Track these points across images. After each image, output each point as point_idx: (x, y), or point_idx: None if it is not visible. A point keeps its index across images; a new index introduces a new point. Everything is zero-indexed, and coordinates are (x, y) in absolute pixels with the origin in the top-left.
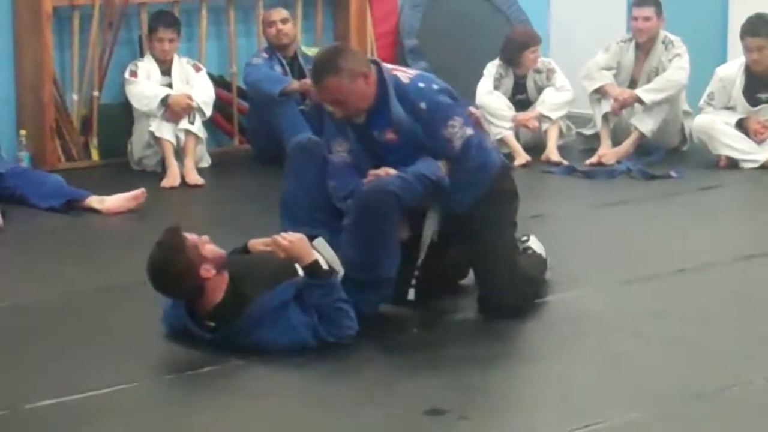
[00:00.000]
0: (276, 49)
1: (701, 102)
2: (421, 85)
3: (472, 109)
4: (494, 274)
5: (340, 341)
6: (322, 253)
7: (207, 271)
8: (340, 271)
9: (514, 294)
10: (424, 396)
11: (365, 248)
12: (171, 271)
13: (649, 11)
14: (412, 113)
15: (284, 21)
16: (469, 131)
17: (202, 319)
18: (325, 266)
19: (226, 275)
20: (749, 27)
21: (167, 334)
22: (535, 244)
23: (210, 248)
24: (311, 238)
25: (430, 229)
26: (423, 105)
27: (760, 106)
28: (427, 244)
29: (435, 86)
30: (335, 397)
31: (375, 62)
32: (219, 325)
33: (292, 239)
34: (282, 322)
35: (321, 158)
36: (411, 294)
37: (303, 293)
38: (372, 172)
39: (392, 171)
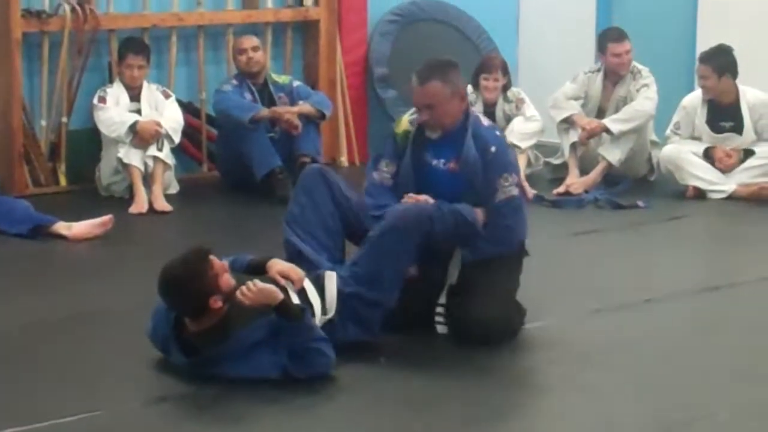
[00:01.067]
0: (246, 76)
1: (668, 131)
2: (498, 133)
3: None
4: (488, 303)
5: (311, 371)
6: (327, 285)
7: (215, 302)
8: (330, 313)
9: (494, 319)
10: (397, 426)
11: (378, 263)
12: (184, 289)
13: (628, 44)
14: (480, 152)
15: (255, 49)
16: (515, 192)
17: (184, 338)
18: (316, 303)
19: (225, 307)
20: (701, 55)
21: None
22: None
23: (226, 279)
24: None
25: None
26: (493, 149)
27: (724, 134)
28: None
29: (506, 142)
30: (311, 428)
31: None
32: (198, 348)
33: (252, 291)
34: (252, 360)
35: (334, 183)
36: (440, 328)
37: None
38: (412, 195)
39: (431, 200)
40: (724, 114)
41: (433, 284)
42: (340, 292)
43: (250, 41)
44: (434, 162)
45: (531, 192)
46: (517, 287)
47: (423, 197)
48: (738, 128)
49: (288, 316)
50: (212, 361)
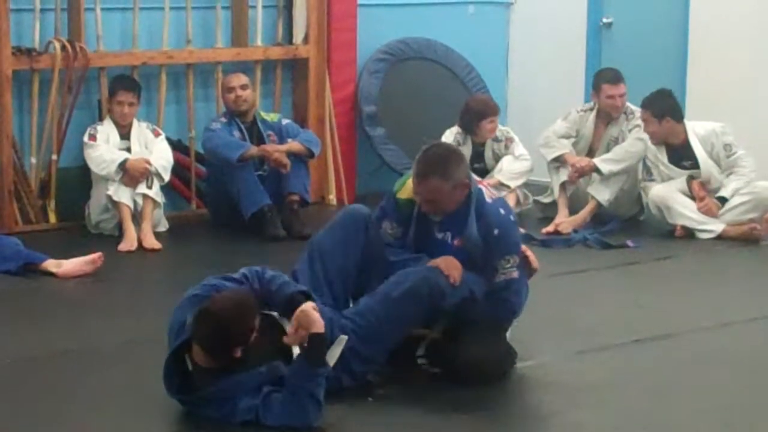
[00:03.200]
0: (235, 114)
1: (641, 183)
2: (502, 212)
3: (524, 247)
4: (485, 338)
5: (290, 421)
6: (335, 349)
7: (237, 353)
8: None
9: (486, 360)
10: None
11: (382, 322)
12: (219, 328)
13: (623, 87)
14: (483, 233)
15: (243, 87)
16: (516, 275)
17: (184, 363)
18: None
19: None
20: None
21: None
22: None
23: (253, 336)
24: None
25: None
26: (496, 231)
27: (689, 171)
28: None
29: (512, 218)
30: None
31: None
32: (196, 384)
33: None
34: (229, 404)
35: (374, 237)
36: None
37: (280, 373)
38: (442, 258)
39: (458, 265)
40: (680, 154)
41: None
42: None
43: (239, 79)
44: (440, 236)
45: (535, 262)
46: (507, 328)
47: (452, 261)
48: (696, 164)
49: (315, 355)
50: (204, 400)
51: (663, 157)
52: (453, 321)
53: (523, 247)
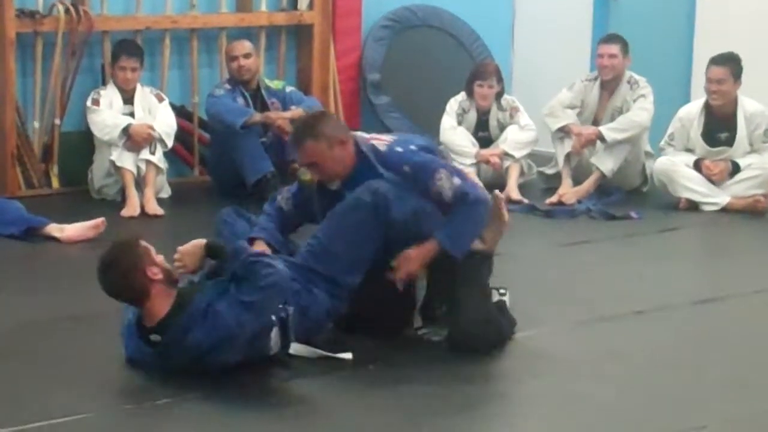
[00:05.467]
0: (238, 81)
1: (662, 142)
2: (399, 149)
3: (498, 196)
4: (469, 307)
5: (268, 291)
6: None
7: (154, 273)
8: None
9: (483, 332)
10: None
11: (334, 239)
12: (120, 265)
13: (614, 48)
14: (399, 176)
15: (246, 56)
16: (457, 181)
17: (149, 334)
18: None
19: (174, 291)
20: (716, 58)
21: (129, 363)
22: (509, 299)
23: (161, 259)
24: None
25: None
26: (407, 168)
27: (719, 147)
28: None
29: (413, 147)
30: None
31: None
32: (161, 339)
33: (181, 259)
34: (212, 318)
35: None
36: (299, 348)
37: (225, 279)
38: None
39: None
40: (720, 125)
41: (404, 298)
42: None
43: (242, 47)
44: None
45: (506, 216)
46: (486, 282)
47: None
48: (731, 139)
49: (219, 253)
50: (177, 340)
51: (699, 125)
52: (440, 275)
53: (499, 197)
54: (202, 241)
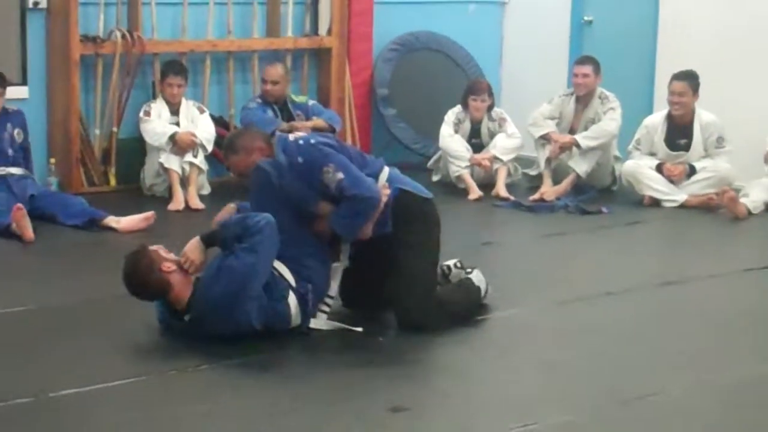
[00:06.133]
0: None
1: (630, 146)
2: (301, 142)
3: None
4: (408, 295)
5: (261, 235)
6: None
7: (168, 267)
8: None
9: (423, 314)
10: (381, 395)
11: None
12: (137, 271)
13: (588, 69)
14: (292, 165)
15: (274, 83)
16: (340, 175)
17: (182, 316)
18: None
19: (191, 277)
20: (678, 74)
21: (172, 336)
22: (476, 276)
23: (171, 255)
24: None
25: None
26: (300, 159)
27: (678, 152)
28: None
29: (313, 141)
30: (311, 394)
31: (273, 134)
32: (192, 313)
33: (187, 258)
34: (226, 272)
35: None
36: (318, 322)
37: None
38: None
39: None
40: (680, 132)
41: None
42: None
43: (275, 72)
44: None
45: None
46: (431, 267)
47: None
48: (689, 145)
49: (214, 239)
50: (202, 303)
51: (662, 132)
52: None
53: (386, 189)
54: (197, 237)
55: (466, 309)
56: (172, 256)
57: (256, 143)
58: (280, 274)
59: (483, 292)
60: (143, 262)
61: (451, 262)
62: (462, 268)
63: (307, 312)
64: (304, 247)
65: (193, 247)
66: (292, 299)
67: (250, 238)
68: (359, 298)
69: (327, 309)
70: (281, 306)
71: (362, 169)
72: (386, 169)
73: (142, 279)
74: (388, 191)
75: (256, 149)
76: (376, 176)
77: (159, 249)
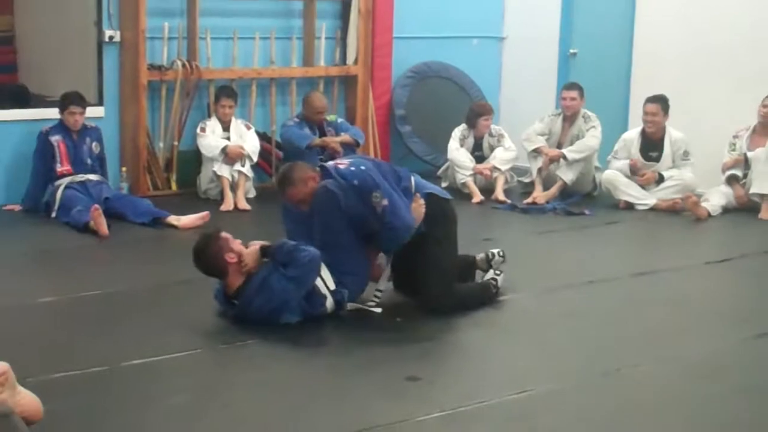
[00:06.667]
0: (307, 117)
1: (609, 156)
2: (353, 169)
3: (417, 197)
4: (429, 282)
5: (305, 268)
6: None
7: (231, 258)
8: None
9: (442, 300)
10: (400, 367)
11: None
12: (206, 252)
13: (574, 93)
14: (350, 188)
15: (322, 112)
16: (385, 202)
17: (231, 299)
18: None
19: (244, 270)
20: (651, 98)
21: (223, 316)
22: (500, 280)
23: (237, 244)
24: None
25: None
26: (356, 182)
27: (650, 162)
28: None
29: (363, 168)
30: (341, 365)
31: (321, 166)
32: (238, 303)
33: (246, 258)
34: (267, 288)
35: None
36: (376, 307)
37: (277, 266)
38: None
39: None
40: (652, 146)
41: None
42: None
43: (323, 105)
44: None
45: (421, 208)
46: (451, 259)
47: None
48: (659, 157)
49: (270, 251)
50: (246, 303)
51: (637, 145)
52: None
53: (419, 199)
54: (258, 245)
55: (478, 302)
56: (237, 244)
57: (308, 173)
58: (323, 280)
59: (495, 291)
60: (214, 246)
61: (496, 250)
62: (503, 257)
63: (340, 307)
64: (353, 263)
65: (252, 253)
66: (329, 302)
67: (294, 269)
68: (403, 284)
69: (377, 300)
70: (318, 309)
71: (398, 182)
72: (413, 178)
73: (207, 259)
74: (422, 202)
75: (310, 178)
76: (408, 188)
77: (229, 239)
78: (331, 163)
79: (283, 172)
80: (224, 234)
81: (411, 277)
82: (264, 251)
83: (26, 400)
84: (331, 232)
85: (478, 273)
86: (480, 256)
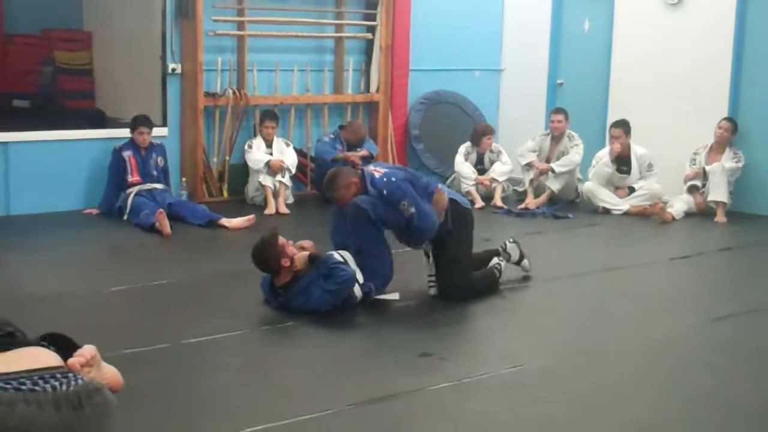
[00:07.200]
0: (340, 136)
1: (590, 168)
2: (385, 179)
3: (439, 191)
4: (450, 274)
5: (341, 285)
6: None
7: (285, 262)
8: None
9: (460, 289)
10: (416, 345)
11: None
12: (264, 255)
13: (560, 116)
14: (380, 195)
15: (359, 137)
16: (412, 210)
17: (276, 290)
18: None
19: (294, 268)
20: (615, 123)
21: (265, 302)
22: (502, 266)
23: (292, 249)
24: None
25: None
26: (385, 191)
27: (622, 174)
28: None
29: (394, 179)
30: (365, 344)
31: (361, 170)
32: (282, 294)
33: (297, 260)
34: (308, 294)
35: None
36: (433, 290)
37: (319, 276)
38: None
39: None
40: (621, 161)
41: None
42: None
43: (363, 135)
44: None
45: (443, 202)
46: (468, 256)
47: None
48: (629, 170)
49: (316, 261)
50: (289, 299)
51: (608, 161)
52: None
53: (442, 192)
54: (306, 254)
55: (487, 288)
56: (291, 248)
57: (351, 179)
58: (354, 275)
59: (498, 276)
60: (272, 250)
61: (510, 239)
62: (516, 242)
63: (368, 297)
64: (380, 266)
65: (302, 257)
66: (357, 290)
67: (332, 284)
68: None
69: (432, 284)
70: (348, 300)
71: (426, 190)
72: (440, 186)
73: (265, 260)
74: (445, 196)
75: (352, 183)
76: (434, 193)
77: (284, 245)
78: (370, 168)
79: (329, 177)
80: (281, 239)
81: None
82: (311, 258)
83: (110, 374)
84: (362, 240)
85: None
86: (499, 246)
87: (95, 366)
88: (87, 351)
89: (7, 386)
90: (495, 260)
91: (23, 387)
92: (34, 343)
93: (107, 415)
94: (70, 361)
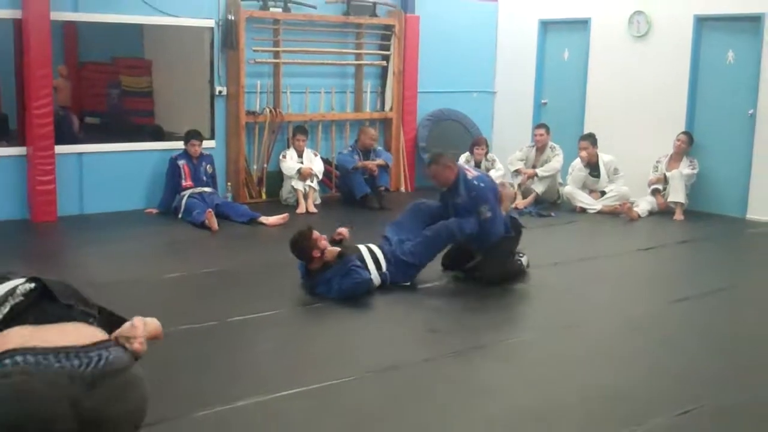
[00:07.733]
0: (358, 145)
1: (567, 176)
2: (476, 182)
3: (503, 185)
4: (496, 263)
5: (354, 287)
6: (378, 253)
7: (316, 252)
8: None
9: (500, 275)
10: (425, 322)
11: (424, 250)
12: (299, 246)
13: (543, 131)
14: (467, 194)
15: (373, 140)
16: (489, 215)
17: (309, 273)
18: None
19: (324, 259)
20: (583, 136)
21: (300, 288)
22: (524, 258)
23: (324, 242)
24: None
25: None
26: (473, 193)
27: (593, 179)
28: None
29: (482, 184)
30: (381, 321)
31: (458, 165)
32: (313, 278)
33: (328, 253)
34: (329, 285)
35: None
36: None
37: (339, 272)
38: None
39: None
40: (592, 168)
41: (466, 254)
42: (392, 254)
43: (372, 138)
44: (452, 198)
45: (506, 201)
46: (510, 255)
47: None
48: (598, 176)
49: (342, 259)
50: (318, 283)
51: (581, 168)
52: (483, 251)
53: (507, 186)
54: (337, 249)
55: (514, 274)
56: (323, 241)
57: (450, 163)
58: (377, 262)
59: (520, 265)
60: (306, 243)
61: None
62: (519, 255)
63: (384, 283)
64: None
65: (332, 251)
66: (375, 277)
67: (346, 283)
68: (453, 264)
69: (461, 276)
70: (369, 286)
71: (496, 198)
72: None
73: (301, 250)
74: (511, 190)
75: (449, 166)
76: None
77: (317, 238)
78: (464, 167)
79: (435, 153)
80: (315, 233)
81: (462, 260)
82: (340, 255)
83: (152, 326)
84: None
85: None
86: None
87: (145, 333)
88: (138, 329)
89: (31, 359)
90: (523, 257)
91: (43, 362)
92: (81, 317)
93: (130, 389)
94: (135, 347)
